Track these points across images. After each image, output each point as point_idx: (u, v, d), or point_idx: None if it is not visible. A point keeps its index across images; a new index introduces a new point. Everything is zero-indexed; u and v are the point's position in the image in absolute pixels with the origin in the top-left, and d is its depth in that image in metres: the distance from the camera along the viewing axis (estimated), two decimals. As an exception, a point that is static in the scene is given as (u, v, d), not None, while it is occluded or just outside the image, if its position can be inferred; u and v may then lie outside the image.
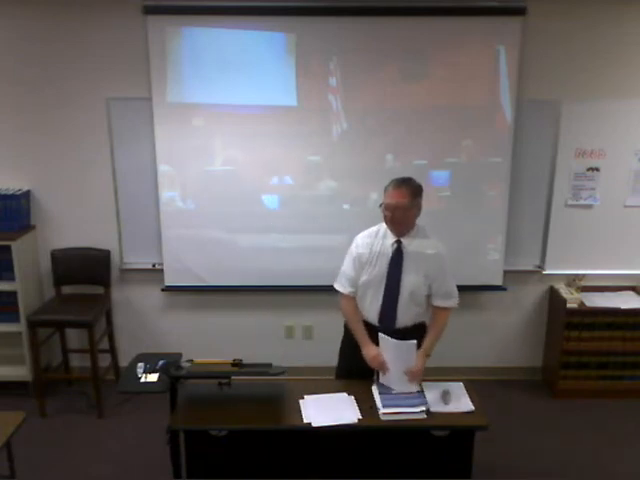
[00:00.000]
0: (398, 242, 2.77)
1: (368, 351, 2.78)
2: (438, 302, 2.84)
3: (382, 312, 2.81)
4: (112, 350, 4.06)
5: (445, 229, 3.87)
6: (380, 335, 2.73)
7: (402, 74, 3.67)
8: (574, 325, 3.88)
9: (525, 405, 3.91)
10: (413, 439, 2.61)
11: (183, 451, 2.62)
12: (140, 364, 2.72)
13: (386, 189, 2.75)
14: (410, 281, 2.76)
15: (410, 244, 2.77)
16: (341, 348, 3.05)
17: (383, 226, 2.82)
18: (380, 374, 2.76)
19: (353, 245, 2.86)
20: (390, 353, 2.71)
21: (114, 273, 4.01)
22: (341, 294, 2.90)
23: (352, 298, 2.88)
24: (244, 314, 4.10)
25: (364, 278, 2.81)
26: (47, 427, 3.62)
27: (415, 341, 2.68)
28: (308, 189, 3.83)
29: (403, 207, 2.68)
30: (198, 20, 3.58)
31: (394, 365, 2.71)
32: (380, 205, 2.76)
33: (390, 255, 2.76)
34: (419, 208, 2.76)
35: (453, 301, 2.84)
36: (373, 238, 2.82)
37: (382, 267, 2.77)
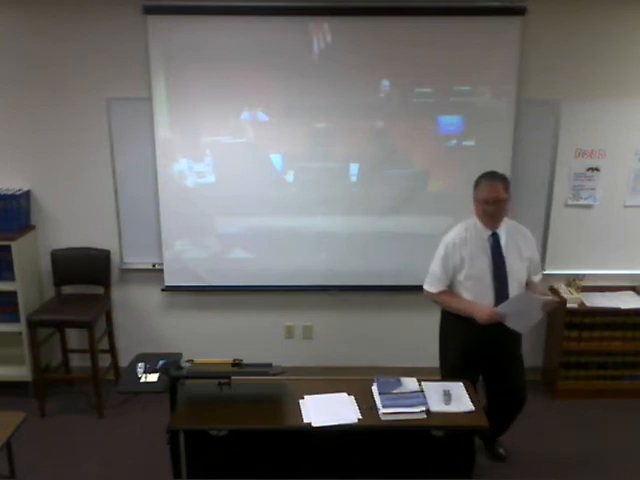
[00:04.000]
0: (494, 235, 2.89)
1: (480, 309, 2.83)
2: (533, 278, 3.02)
3: (497, 303, 2.87)
4: (112, 350, 4.06)
5: (445, 229, 3.87)
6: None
7: (402, 74, 3.68)
8: (574, 325, 3.87)
9: (525, 405, 3.90)
10: (413, 439, 2.61)
11: (183, 451, 2.62)
12: (140, 364, 2.72)
13: (478, 184, 2.88)
14: (515, 268, 2.89)
15: (504, 234, 2.90)
16: (445, 349, 3.12)
17: (470, 222, 2.94)
18: (507, 321, 2.83)
19: (441, 247, 2.96)
20: (513, 307, 2.81)
21: (114, 273, 4.01)
22: (431, 293, 3.02)
23: (445, 291, 2.99)
24: (244, 314, 4.10)
25: (463, 275, 2.91)
26: (47, 427, 3.62)
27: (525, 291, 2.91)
28: (308, 193, 3.83)
29: (501, 200, 2.81)
30: (198, 20, 3.57)
31: (519, 314, 2.81)
32: (477, 200, 2.87)
33: (489, 248, 2.88)
34: (510, 200, 2.90)
35: (540, 275, 3.07)
36: (464, 237, 2.91)
37: (484, 263, 2.88)
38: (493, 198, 2.80)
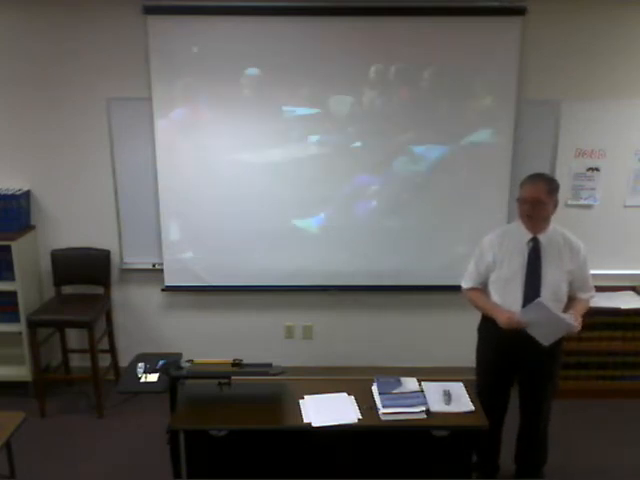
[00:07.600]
0: (534, 239, 2.75)
1: (501, 312, 2.75)
2: (579, 295, 2.85)
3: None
4: (112, 350, 4.05)
5: (445, 229, 3.89)
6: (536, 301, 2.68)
7: (402, 74, 3.68)
8: (574, 325, 3.87)
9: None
10: (413, 439, 2.61)
11: (183, 451, 2.62)
12: (140, 364, 2.73)
13: (522, 184, 2.76)
14: (552, 279, 2.74)
15: (547, 241, 2.75)
16: (478, 351, 3.07)
17: (514, 225, 2.85)
18: (529, 329, 2.68)
19: (479, 244, 2.90)
20: (533, 315, 2.67)
21: (114, 273, 4.01)
22: (464, 290, 2.96)
23: (475, 289, 2.92)
24: (244, 314, 4.10)
25: (494, 275, 2.82)
26: (47, 427, 3.62)
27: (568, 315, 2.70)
28: (308, 193, 3.83)
29: (540, 202, 2.67)
30: (198, 20, 3.57)
31: (539, 324, 2.67)
32: (517, 199, 2.77)
33: (526, 253, 2.75)
34: (555, 205, 2.75)
35: (591, 294, 2.87)
36: (501, 237, 2.83)
37: (516, 266, 2.76)
38: (531, 198, 2.68)
